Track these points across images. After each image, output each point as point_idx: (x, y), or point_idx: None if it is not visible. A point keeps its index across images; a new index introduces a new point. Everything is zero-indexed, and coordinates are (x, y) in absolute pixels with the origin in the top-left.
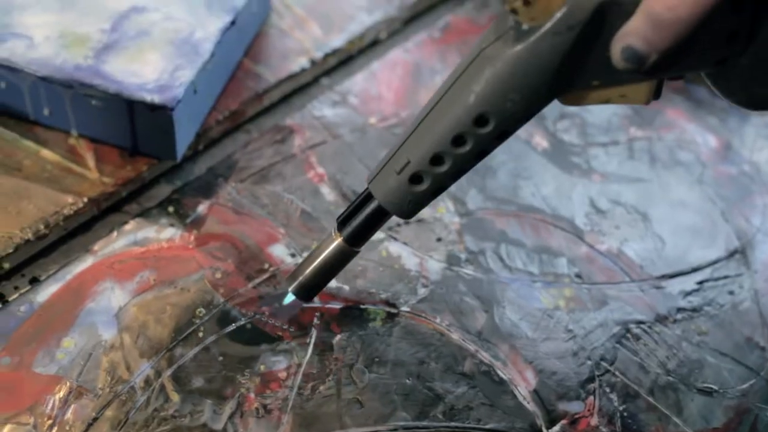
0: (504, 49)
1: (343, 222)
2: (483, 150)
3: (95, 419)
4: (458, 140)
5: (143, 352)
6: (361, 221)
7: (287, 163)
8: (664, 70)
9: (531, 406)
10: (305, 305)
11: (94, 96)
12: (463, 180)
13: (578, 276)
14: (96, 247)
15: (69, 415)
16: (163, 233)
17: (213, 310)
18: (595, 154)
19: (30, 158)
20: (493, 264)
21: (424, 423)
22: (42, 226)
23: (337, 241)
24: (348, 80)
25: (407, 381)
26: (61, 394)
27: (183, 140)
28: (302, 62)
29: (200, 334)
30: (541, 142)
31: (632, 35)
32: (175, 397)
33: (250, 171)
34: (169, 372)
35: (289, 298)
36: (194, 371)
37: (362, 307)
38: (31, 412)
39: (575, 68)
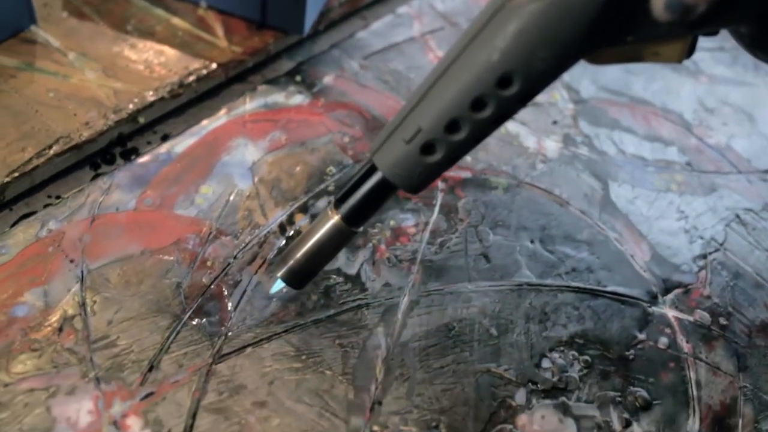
0: (532, 0)
1: (341, 199)
2: (504, 114)
3: (235, 257)
4: (478, 104)
5: (278, 202)
6: (363, 196)
7: (407, 45)
8: (709, 22)
9: (647, 274)
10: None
11: None
12: (575, 69)
13: (688, 164)
14: (227, 109)
15: (210, 252)
16: (292, 99)
17: (343, 169)
18: (702, 58)
19: (161, 24)
20: (607, 148)
21: (548, 281)
22: (176, 86)
23: (333, 220)
24: None
25: (530, 244)
26: (202, 234)
27: (311, 14)
28: None
29: (330, 188)
30: None
31: None
32: None
33: (371, 49)
34: (304, 220)
35: (278, 285)
36: None
37: (485, 176)
38: (175, 248)
39: (610, 22)
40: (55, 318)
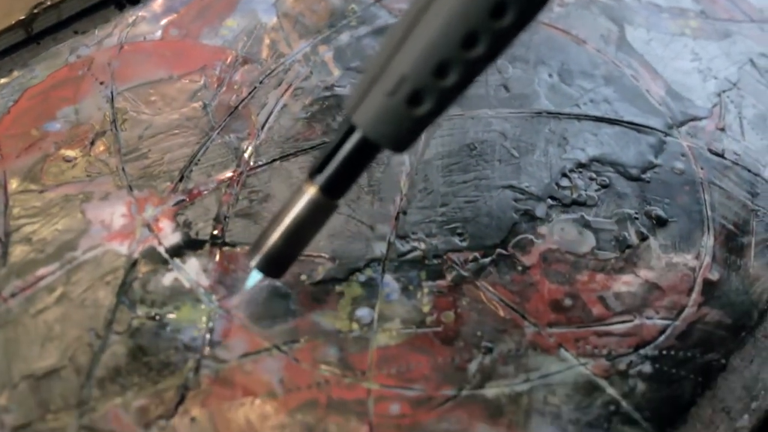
0: None
1: (317, 169)
2: (497, 49)
3: (261, 82)
4: (469, 40)
5: (301, 35)
6: (342, 162)
7: None
8: None
9: (662, 108)
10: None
11: None
12: None
13: (702, 12)
14: None
15: (236, 77)
16: None
17: (367, 8)
18: None
19: None
20: None
21: (566, 110)
22: None
23: (309, 194)
24: None
25: (548, 77)
26: (228, 60)
27: None
28: None
29: (353, 23)
30: None
31: None
32: (336, 72)
33: None
34: (328, 52)
35: (254, 278)
36: (351, 54)
37: None
38: (202, 73)
39: None
40: (86, 133)
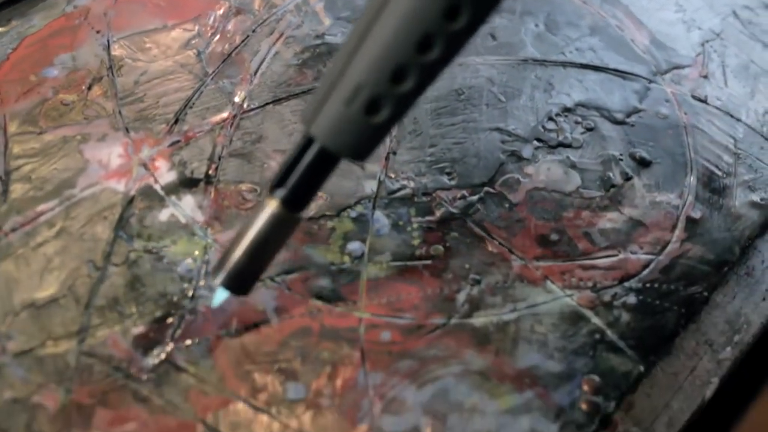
0: None
1: (278, 183)
2: (453, 52)
3: (253, 31)
4: (424, 43)
5: None
6: (302, 175)
7: None
8: None
9: (647, 56)
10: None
11: None
12: None
13: None
14: None
15: (229, 27)
16: None
17: None
18: None
19: None
20: None
21: (552, 58)
22: None
23: (271, 208)
24: None
25: (534, 27)
26: (221, 11)
27: None
28: None
29: None
30: None
31: None
32: (327, 21)
33: None
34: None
35: (221, 295)
36: (342, 4)
37: None
38: (195, 22)
39: None
40: (83, 78)
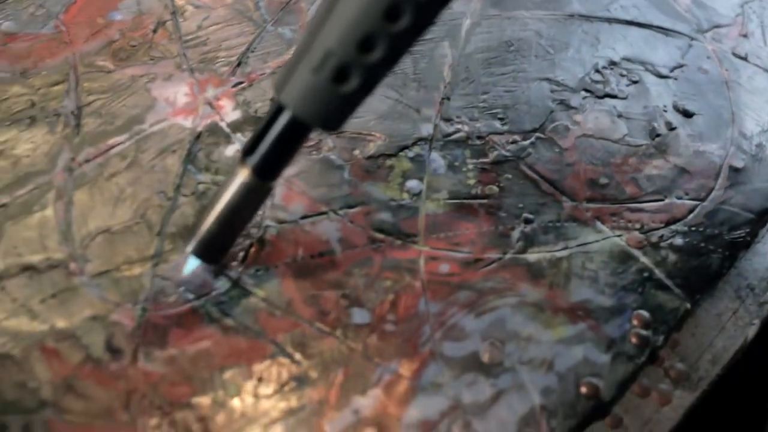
0: None
1: (248, 150)
2: (423, 21)
3: None
4: (393, 12)
5: None
6: (273, 143)
7: None
8: None
9: (688, 15)
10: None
11: None
12: None
13: None
14: None
15: None
16: None
17: None
18: None
19: None
20: None
21: (598, 14)
22: None
23: (242, 177)
24: None
25: None
26: None
27: None
28: None
29: None
30: None
31: None
32: None
33: None
34: None
35: (191, 264)
36: None
37: None
38: None
39: None
40: (148, 21)
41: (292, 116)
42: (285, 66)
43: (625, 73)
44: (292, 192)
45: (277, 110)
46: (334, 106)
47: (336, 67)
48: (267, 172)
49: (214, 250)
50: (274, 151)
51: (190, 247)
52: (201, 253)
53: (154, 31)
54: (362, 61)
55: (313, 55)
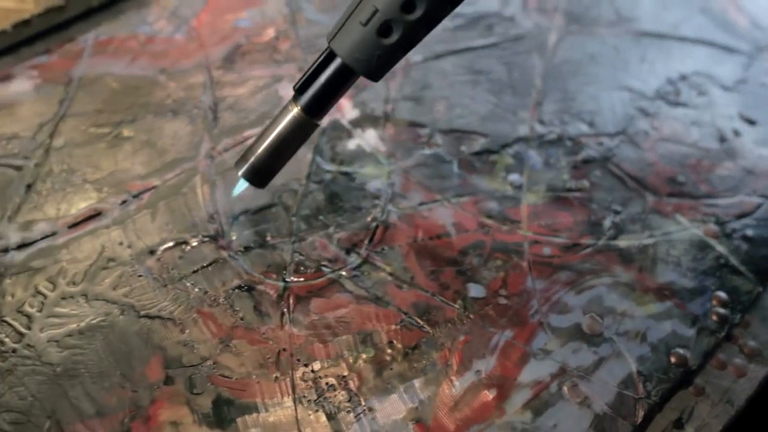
0: None
1: (300, 90)
2: None
3: None
4: None
5: None
6: (322, 85)
7: None
8: None
9: (748, 35)
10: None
11: None
12: None
13: None
14: None
15: None
16: None
17: None
18: None
19: None
20: None
21: (668, 33)
22: None
23: (293, 112)
24: None
25: (651, 6)
26: None
27: None
28: None
29: None
30: None
31: None
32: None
33: None
34: None
35: (241, 186)
36: None
37: None
38: None
39: None
40: (271, 29)
41: (342, 63)
42: (338, 19)
43: (694, 85)
44: (409, 182)
45: (327, 57)
46: (377, 56)
47: (381, 22)
48: (315, 110)
49: (262, 175)
50: (323, 92)
51: (240, 171)
52: (250, 176)
53: (277, 38)
54: (403, 18)
55: (363, 10)
